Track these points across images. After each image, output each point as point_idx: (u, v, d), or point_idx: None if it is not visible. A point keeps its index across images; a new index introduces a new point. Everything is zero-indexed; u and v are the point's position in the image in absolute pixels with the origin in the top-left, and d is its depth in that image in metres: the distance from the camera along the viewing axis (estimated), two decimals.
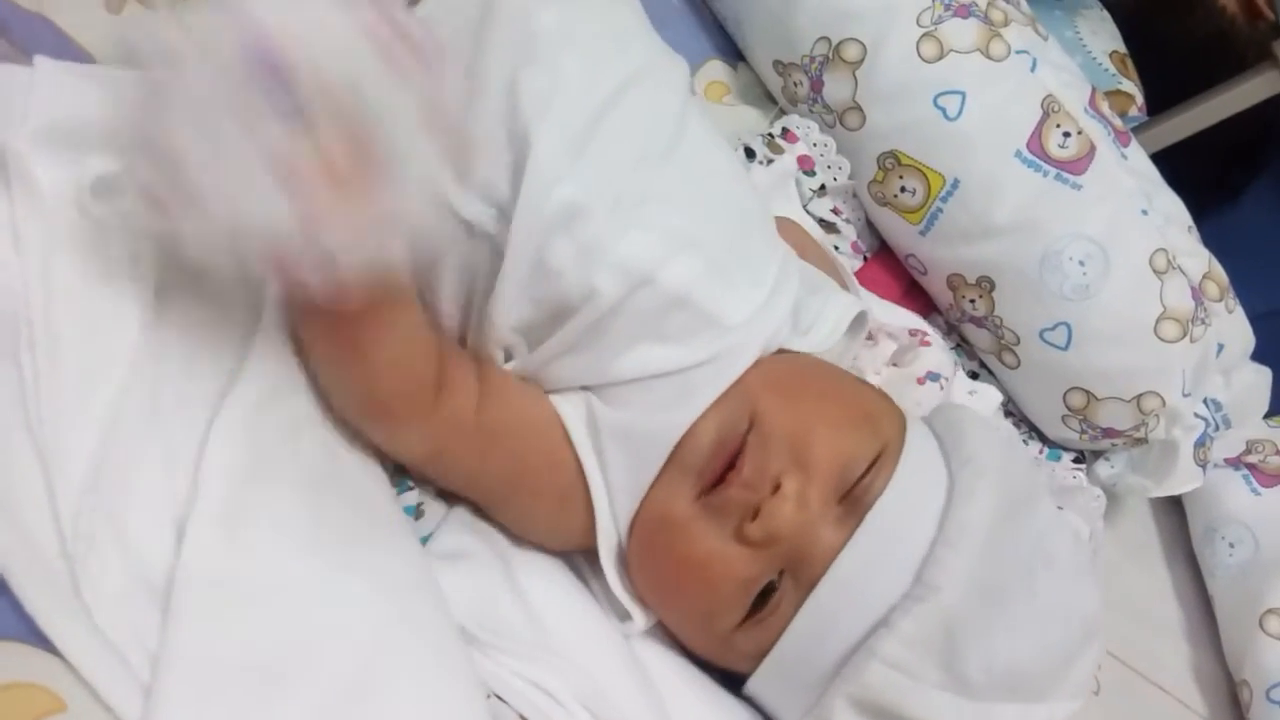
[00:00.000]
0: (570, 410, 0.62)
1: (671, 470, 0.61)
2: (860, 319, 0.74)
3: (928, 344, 0.87)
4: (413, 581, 0.55)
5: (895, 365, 0.81)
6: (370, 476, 0.59)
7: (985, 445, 0.64)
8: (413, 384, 0.57)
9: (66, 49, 0.59)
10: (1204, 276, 0.96)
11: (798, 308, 0.68)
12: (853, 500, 0.59)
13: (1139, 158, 0.98)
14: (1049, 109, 0.93)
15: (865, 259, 1.05)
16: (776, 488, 0.58)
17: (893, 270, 1.05)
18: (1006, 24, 0.94)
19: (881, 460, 0.61)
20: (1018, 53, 0.93)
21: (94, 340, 0.51)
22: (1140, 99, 1.47)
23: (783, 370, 0.64)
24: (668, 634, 0.65)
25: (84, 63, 0.58)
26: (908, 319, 0.98)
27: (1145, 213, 0.94)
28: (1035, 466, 0.92)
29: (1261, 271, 1.52)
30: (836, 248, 1.01)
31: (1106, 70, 1.46)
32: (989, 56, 0.93)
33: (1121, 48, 1.50)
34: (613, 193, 0.61)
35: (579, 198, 0.59)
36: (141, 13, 0.63)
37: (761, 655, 0.61)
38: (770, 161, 0.97)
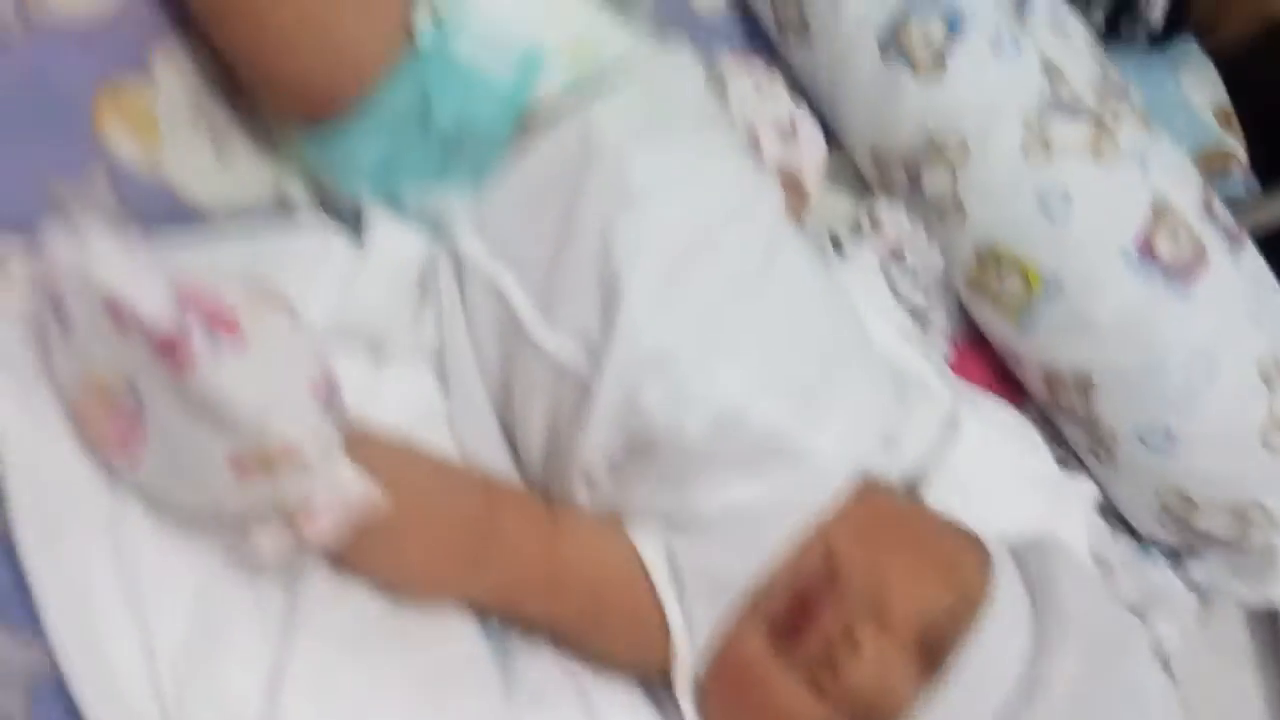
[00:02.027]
0: (650, 548, 0.62)
1: (750, 611, 0.60)
2: (950, 420, 0.72)
3: None
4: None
5: None
6: (456, 617, 0.60)
7: (1075, 593, 0.63)
8: (457, 556, 0.58)
9: (180, 211, 0.60)
10: None
11: (889, 431, 0.68)
12: (932, 653, 0.58)
13: (1252, 259, 0.95)
14: (1160, 211, 0.90)
15: (956, 347, 1.02)
16: (855, 642, 0.57)
17: (984, 359, 1.02)
18: (1117, 124, 0.91)
19: (963, 612, 0.59)
20: (1128, 154, 0.90)
21: None
22: (1243, 156, 1.42)
23: (865, 511, 0.63)
24: None
25: (197, 225, 0.59)
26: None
27: (1256, 319, 0.91)
28: (1127, 613, 0.90)
29: None
30: (926, 335, 0.99)
31: (1209, 126, 1.42)
32: (1098, 157, 0.90)
33: (1225, 101, 1.45)
34: (702, 335, 0.61)
35: (669, 341, 0.60)
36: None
37: None
38: (855, 248, 0.96)
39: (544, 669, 0.63)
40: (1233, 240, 0.93)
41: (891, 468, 0.68)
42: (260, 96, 0.64)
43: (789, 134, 0.90)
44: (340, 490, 0.49)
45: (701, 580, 0.61)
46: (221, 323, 0.44)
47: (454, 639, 0.59)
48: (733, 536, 0.61)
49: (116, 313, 0.44)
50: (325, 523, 0.48)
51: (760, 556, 0.61)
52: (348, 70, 0.61)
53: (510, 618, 0.63)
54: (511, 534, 0.60)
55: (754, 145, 0.87)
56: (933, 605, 0.59)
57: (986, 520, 0.71)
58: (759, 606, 0.60)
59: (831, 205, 1.01)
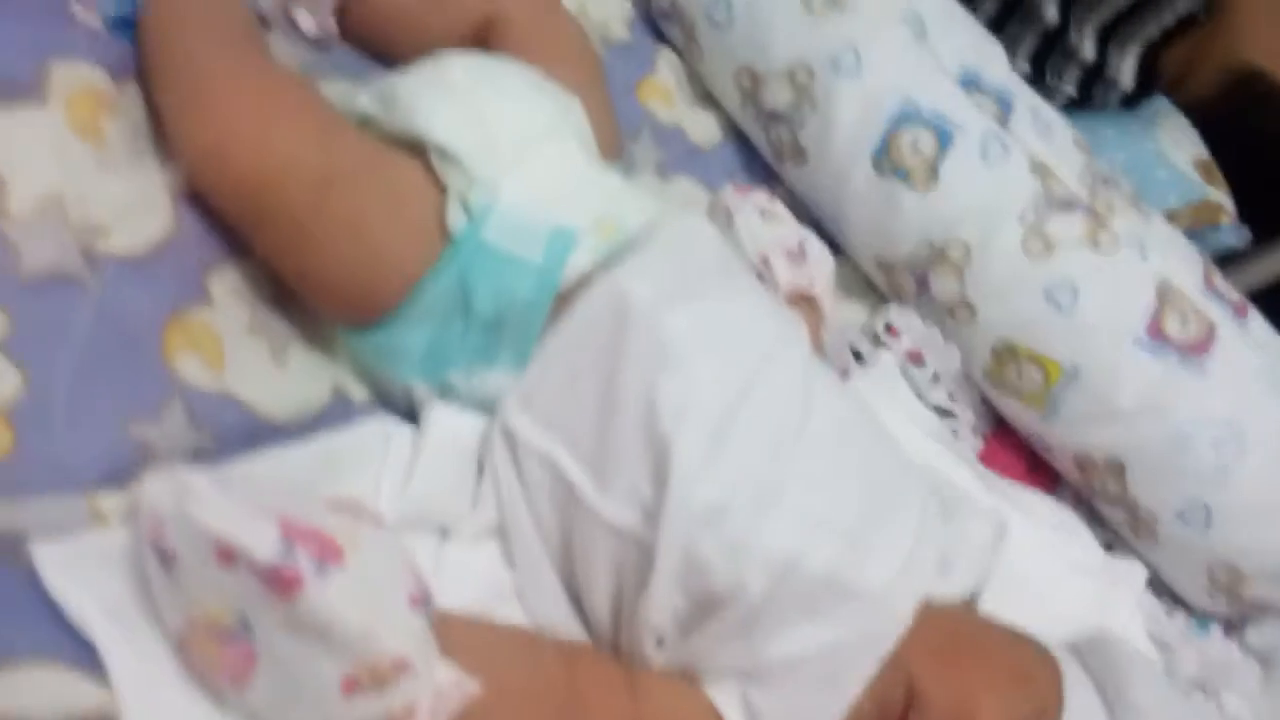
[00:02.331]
0: (728, 704, 0.63)
1: None
2: (1000, 531, 0.74)
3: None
4: None
5: None
6: None
7: (1148, 692, 0.65)
8: None
9: (247, 422, 0.63)
10: None
11: (944, 553, 0.69)
12: None
13: (1261, 328, 0.97)
14: (1164, 294, 0.93)
15: (985, 439, 1.05)
16: None
17: (1015, 448, 1.04)
18: (1111, 213, 0.95)
19: (1043, 712, 0.61)
20: (1126, 241, 0.94)
21: None
22: (1230, 206, 1.45)
23: (935, 634, 0.65)
24: None
25: (263, 434, 0.62)
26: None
27: (1275, 387, 0.93)
28: (1198, 703, 0.91)
29: None
30: (955, 432, 1.02)
31: (1194, 181, 1.45)
32: (1098, 248, 0.93)
33: (1205, 153, 1.48)
34: (752, 487, 0.63)
35: (721, 497, 0.62)
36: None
37: None
38: (875, 357, 0.99)
39: None
40: (1238, 312, 0.96)
41: (949, 588, 0.69)
42: (310, 303, 0.68)
43: (798, 256, 0.93)
44: (441, 689, 0.51)
45: None
46: (325, 549, 0.47)
47: None
48: (808, 682, 0.63)
49: (225, 552, 0.47)
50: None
51: (839, 698, 0.62)
52: (390, 274, 0.65)
53: None
54: (594, 701, 0.61)
55: (766, 272, 0.90)
56: (1016, 714, 0.61)
57: (1043, 617, 0.73)
58: None
59: (847, 315, 1.05)
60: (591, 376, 0.65)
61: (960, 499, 0.77)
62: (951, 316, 0.98)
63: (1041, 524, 0.93)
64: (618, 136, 0.87)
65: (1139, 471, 0.94)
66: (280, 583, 0.46)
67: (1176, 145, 1.49)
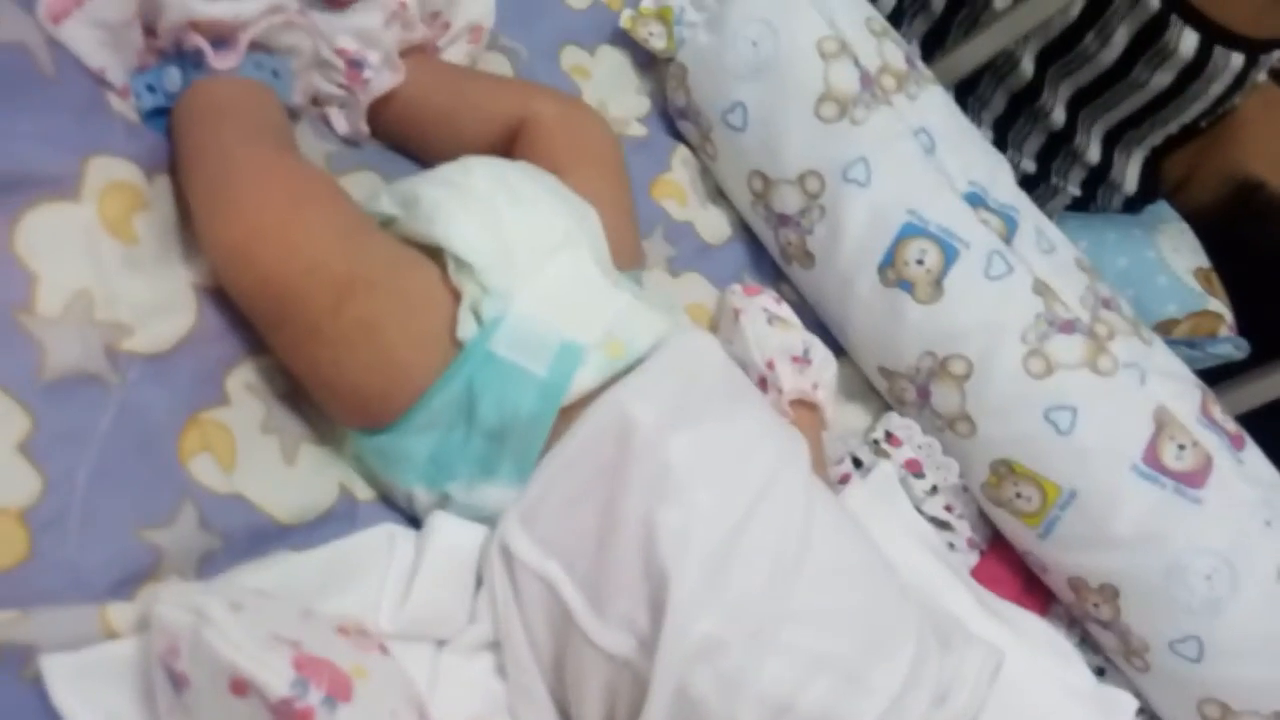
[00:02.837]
0: None
1: None
2: (996, 660, 0.74)
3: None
4: None
5: None
6: None
7: None
8: None
9: (256, 522, 0.63)
10: None
11: (938, 687, 0.69)
12: None
13: (1256, 460, 0.98)
14: (1161, 421, 0.94)
15: (981, 553, 1.05)
16: None
17: (1010, 565, 1.05)
18: (1112, 337, 0.96)
19: None
20: (1125, 366, 0.95)
21: None
22: (1230, 317, 1.46)
23: None
24: None
25: (270, 534, 0.63)
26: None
27: (1269, 523, 0.94)
28: None
29: None
30: (951, 545, 1.02)
31: (1193, 290, 1.47)
32: (1097, 371, 0.95)
33: (1205, 262, 1.50)
34: (750, 621, 0.63)
35: (718, 631, 0.62)
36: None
37: None
38: (875, 466, 1.00)
39: None
40: (1234, 443, 0.97)
41: (945, 718, 0.69)
42: (321, 405, 0.69)
43: (803, 362, 0.94)
44: None
45: None
46: (336, 684, 0.47)
47: None
48: None
49: (238, 683, 0.47)
50: None
51: None
52: (401, 380, 0.66)
53: None
54: None
55: (770, 375, 0.91)
56: None
57: None
58: None
59: (848, 419, 1.06)
60: (592, 499, 0.65)
61: (956, 627, 0.76)
62: (952, 429, 0.99)
63: (1036, 647, 0.93)
64: (638, 241, 0.89)
65: (1132, 598, 0.95)
66: (292, 717, 0.47)
67: (1177, 252, 1.51)
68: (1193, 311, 1.46)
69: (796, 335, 0.95)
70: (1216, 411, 0.98)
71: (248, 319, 0.67)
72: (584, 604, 0.64)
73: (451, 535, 0.67)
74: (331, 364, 0.65)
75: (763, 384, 0.91)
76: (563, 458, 0.67)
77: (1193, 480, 0.93)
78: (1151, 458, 0.93)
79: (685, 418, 0.68)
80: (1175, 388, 0.97)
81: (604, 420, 0.67)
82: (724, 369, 0.76)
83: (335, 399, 0.67)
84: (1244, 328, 1.46)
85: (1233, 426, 0.98)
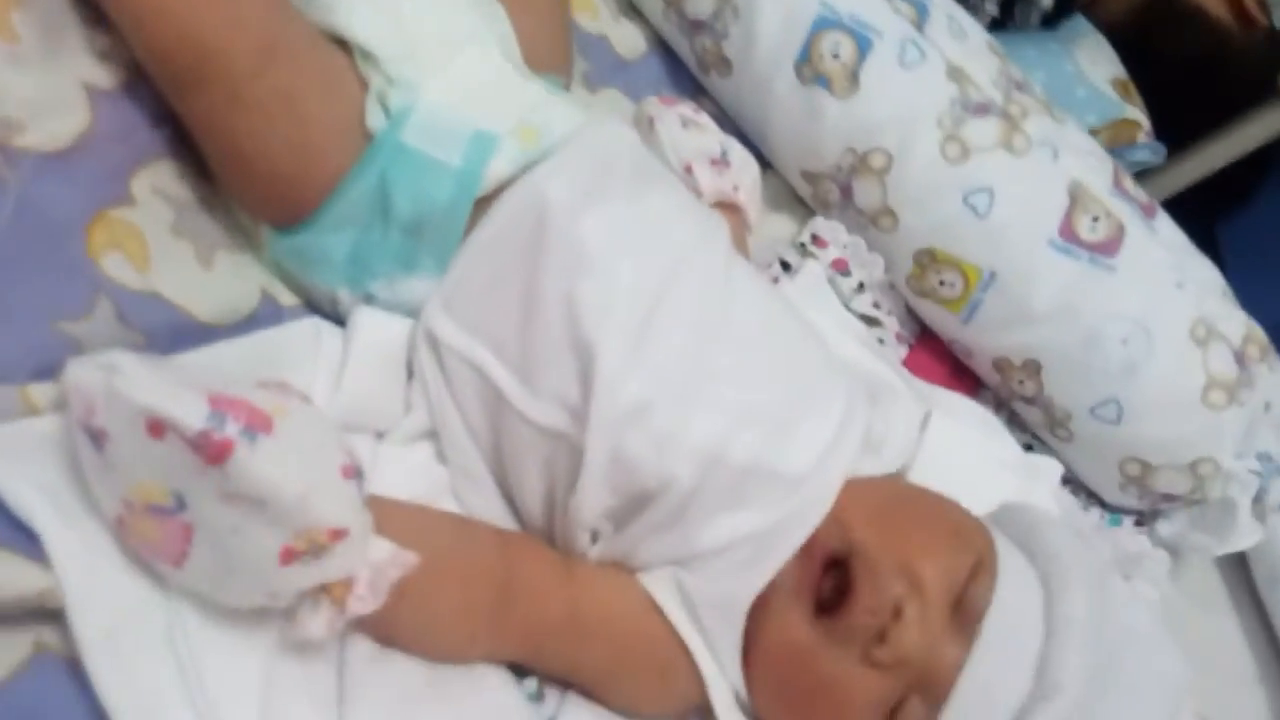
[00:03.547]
0: (661, 590, 0.65)
1: (778, 602, 0.64)
2: (926, 420, 0.77)
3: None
4: None
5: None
6: (492, 673, 0.63)
7: (1062, 540, 0.68)
8: (482, 608, 0.61)
9: (175, 320, 0.63)
10: (1244, 340, 0.99)
11: (869, 434, 0.71)
12: (964, 613, 0.62)
13: (1167, 228, 1.01)
14: (1075, 195, 0.96)
15: (910, 346, 1.08)
16: (898, 612, 0.61)
17: (938, 354, 1.08)
18: (1025, 116, 0.97)
19: (980, 571, 0.64)
20: (1039, 144, 0.96)
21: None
22: (1147, 124, 1.49)
23: (870, 500, 0.67)
24: None
25: (192, 332, 0.62)
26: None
27: (1180, 285, 0.97)
28: (1097, 549, 0.95)
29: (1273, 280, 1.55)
30: (881, 340, 1.04)
31: (1111, 99, 1.49)
32: (1012, 151, 0.96)
33: (1122, 73, 1.52)
34: (676, 381, 0.65)
35: (646, 394, 0.63)
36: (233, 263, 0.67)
37: None
38: (802, 268, 1.01)
39: (577, 712, 0.66)
40: (1146, 212, 0.99)
41: (877, 468, 0.72)
42: (234, 194, 0.67)
43: (721, 163, 0.94)
44: (379, 561, 0.52)
45: (719, 610, 0.65)
46: (255, 418, 0.47)
47: (491, 692, 0.62)
48: (737, 561, 0.65)
49: (154, 425, 0.47)
50: (367, 593, 0.52)
51: (759, 576, 0.64)
52: (316, 165, 0.65)
53: (538, 670, 0.66)
54: (529, 581, 0.63)
55: (689, 180, 0.91)
56: (958, 568, 0.64)
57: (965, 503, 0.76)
58: (785, 591, 0.64)
59: (774, 229, 1.06)
60: (512, 280, 0.65)
61: (884, 387, 0.79)
62: (875, 225, 1.01)
63: (964, 423, 0.96)
64: (566, 47, 0.87)
65: (1054, 370, 0.98)
66: (211, 449, 0.47)
67: (1094, 65, 1.52)
68: (1112, 120, 1.48)
69: (713, 138, 0.94)
70: (1127, 183, 1.00)
71: (160, 85, 0.64)
72: (514, 383, 0.65)
73: (378, 327, 0.67)
74: (248, 136, 0.63)
75: None
76: (480, 241, 0.66)
77: (1107, 249, 0.96)
78: (1067, 231, 0.95)
79: (600, 196, 0.68)
80: (1087, 162, 0.98)
81: (519, 201, 0.67)
82: (640, 153, 0.76)
83: (250, 184, 0.66)
84: (1160, 134, 1.48)
85: (1143, 197, 1.01)
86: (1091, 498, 1.07)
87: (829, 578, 0.64)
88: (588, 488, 0.63)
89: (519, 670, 0.66)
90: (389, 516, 0.56)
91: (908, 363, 1.05)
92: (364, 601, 0.52)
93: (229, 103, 0.62)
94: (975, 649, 0.61)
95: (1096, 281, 0.95)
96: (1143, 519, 1.06)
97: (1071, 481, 1.06)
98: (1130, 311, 0.95)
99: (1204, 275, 1.01)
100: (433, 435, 0.68)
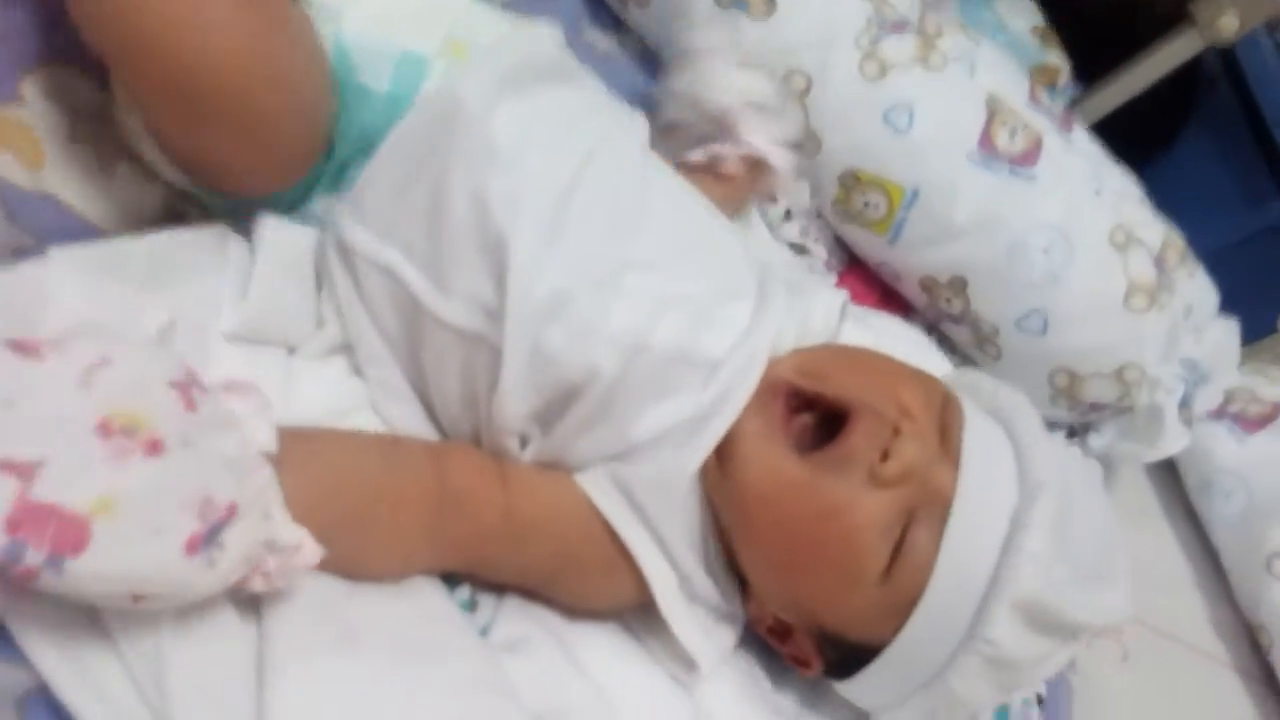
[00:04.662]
0: (596, 486, 0.64)
1: (746, 451, 0.63)
2: (845, 308, 0.77)
3: None
4: (484, 681, 0.58)
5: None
6: (432, 587, 0.62)
7: (1000, 386, 0.70)
8: (418, 531, 0.59)
9: (70, 224, 0.61)
10: (1163, 245, 1.00)
11: (793, 317, 0.71)
12: (947, 435, 0.63)
13: (1084, 139, 1.02)
14: (993, 109, 0.97)
15: (839, 274, 1.08)
16: (896, 430, 0.61)
17: (867, 281, 1.08)
18: (940, 34, 0.98)
19: (950, 398, 0.65)
20: (955, 60, 0.97)
21: None
22: (1067, 69, 1.51)
23: (825, 353, 0.68)
24: (732, 684, 0.68)
25: (89, 237, 0.60)
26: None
27: (1098, 193, 0.98)
28: None
29: (1207, 208, 1.58)
30: (809, 267, 1.05)
31: (1031, 46, 1.51)
32: (929, 67, 0.97)
33: (1041, 20, 1.54)
34: (592, 272, 0.64)
35: (562, 285, 0.62)
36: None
37: (905, 606, 0.61)
38: None
39: (513, 618, 0.65)
40: (1063, 124, 1.00)
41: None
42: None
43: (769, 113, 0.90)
44: (284, 547, 0.50)
45: (658, 492, 0.64)
46: (63, 537, 0.42)
47: (423, 599, 0.61)
48: (670, 445, 0.64)
49: None
50: (270, 577, 0.50)
51: (694, 455, 0.64)
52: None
53: (478, 577, 0.65)
54: (464, 493, 0.61)
55: (725, 125, 0.87)
56: (933, 394, 0.65)
57: None
58: (761, 436, 0.63)
59: None
60: (421, 180, 0.64)
61: (806, 282, 0.79)
62: (799, 149, 1.01)
63: (893, 339, 0.96)
64: None
65: (979, 285, 0.99)
66: (14, 579, 0.42)
67: (1014, 14, 1.54)
68: (1032, 65, 1.50)
69: (767, 84, 0.90)
70: (1043, 96, 1.01)
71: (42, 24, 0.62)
72: (427, 285, 0.63)
73: (286, 235, 0.65)
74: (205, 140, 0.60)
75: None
76: (389, 145, 0.65)
77: (1025, 160, 0.97)
78: (986, 144, 0.96)
79: (513, 94, 0.67)
80: (1003, 76, 1.00)
81: (431, 103, 0.65)
82: (559, 53, 0.74)
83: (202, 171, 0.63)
84: (1081, 78, 1.50)
85: (1059, 109, 1.02)
86: None
87: (797, 421, 0.64)
88: (509, 388, 0.62)
89: (451, 580, 0.65)
90: (314, 454, 0.54)
91: None
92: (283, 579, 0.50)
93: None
94: (963, 464, 0.61)
95: (1017, 192, 0.96)
96: (1074, 432, 1.07)
97: None
98: (1051, 220, 0.96)
99: (1121, 184, 1.02)
100: (347, 348, 0.67)
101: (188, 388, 0.47)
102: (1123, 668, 0.96)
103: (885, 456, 0.60)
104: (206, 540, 0.45)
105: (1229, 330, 1.08)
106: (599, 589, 0.66)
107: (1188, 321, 1.02)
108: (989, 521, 0.60)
